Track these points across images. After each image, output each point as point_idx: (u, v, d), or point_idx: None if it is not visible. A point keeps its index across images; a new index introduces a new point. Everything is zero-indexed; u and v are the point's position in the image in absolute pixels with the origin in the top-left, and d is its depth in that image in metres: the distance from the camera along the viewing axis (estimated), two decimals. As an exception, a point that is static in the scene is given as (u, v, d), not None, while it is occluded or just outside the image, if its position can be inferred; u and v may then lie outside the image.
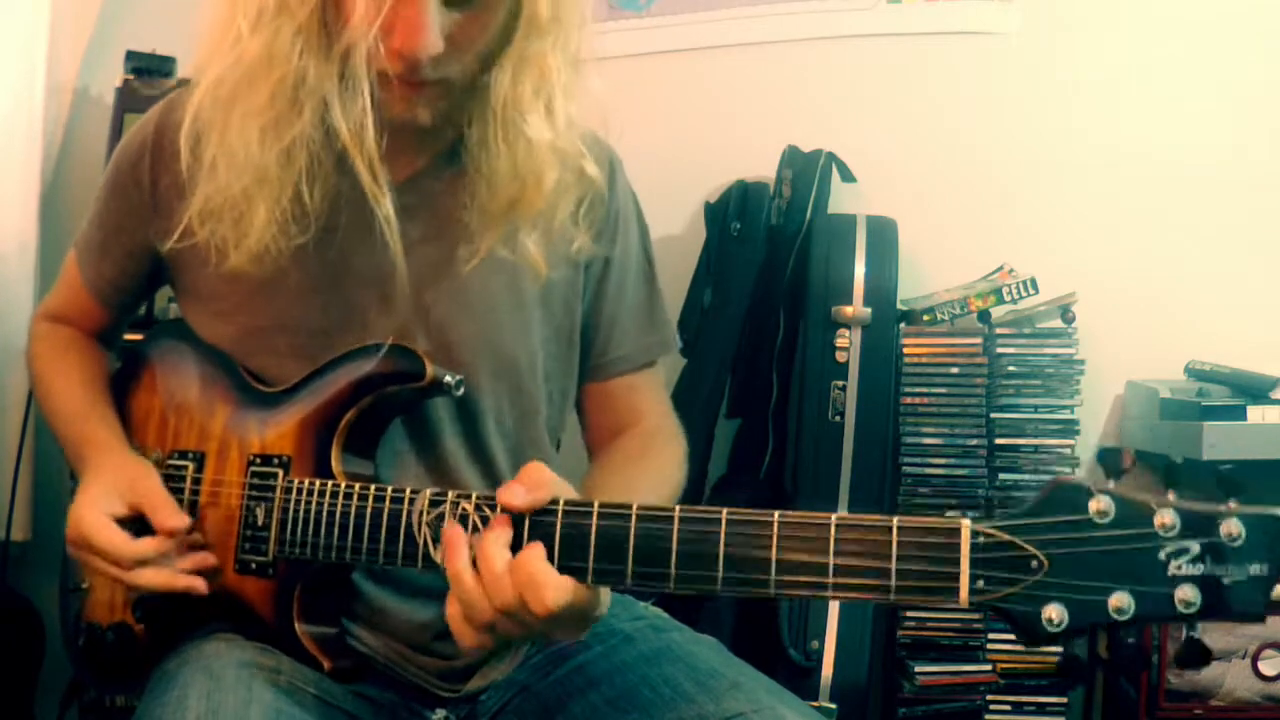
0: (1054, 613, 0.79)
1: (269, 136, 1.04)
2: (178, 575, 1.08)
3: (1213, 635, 1.88)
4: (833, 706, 1.83)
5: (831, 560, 0.84)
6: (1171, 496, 0.79)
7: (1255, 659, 1.89)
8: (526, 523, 0.93)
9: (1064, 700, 2.00)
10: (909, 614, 1.99)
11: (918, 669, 1.96)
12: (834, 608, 1.89)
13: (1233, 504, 0.77)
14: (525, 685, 1.15)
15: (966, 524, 0.82)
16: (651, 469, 1.21)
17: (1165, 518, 0.77)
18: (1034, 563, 0.80)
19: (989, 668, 1.98)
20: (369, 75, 1.00)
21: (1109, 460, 0.83)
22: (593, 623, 0.97)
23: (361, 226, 1.11)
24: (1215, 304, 2.19)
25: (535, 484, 0.94)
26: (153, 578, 1.07)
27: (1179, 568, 0.77)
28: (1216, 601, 0.76)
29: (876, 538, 0.84)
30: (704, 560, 0.88)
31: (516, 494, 0.93)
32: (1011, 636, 1.97)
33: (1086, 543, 0.79)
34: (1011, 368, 2.01)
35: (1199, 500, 0.78)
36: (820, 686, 1.86)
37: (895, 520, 0.84)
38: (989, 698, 1.97)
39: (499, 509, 0.95)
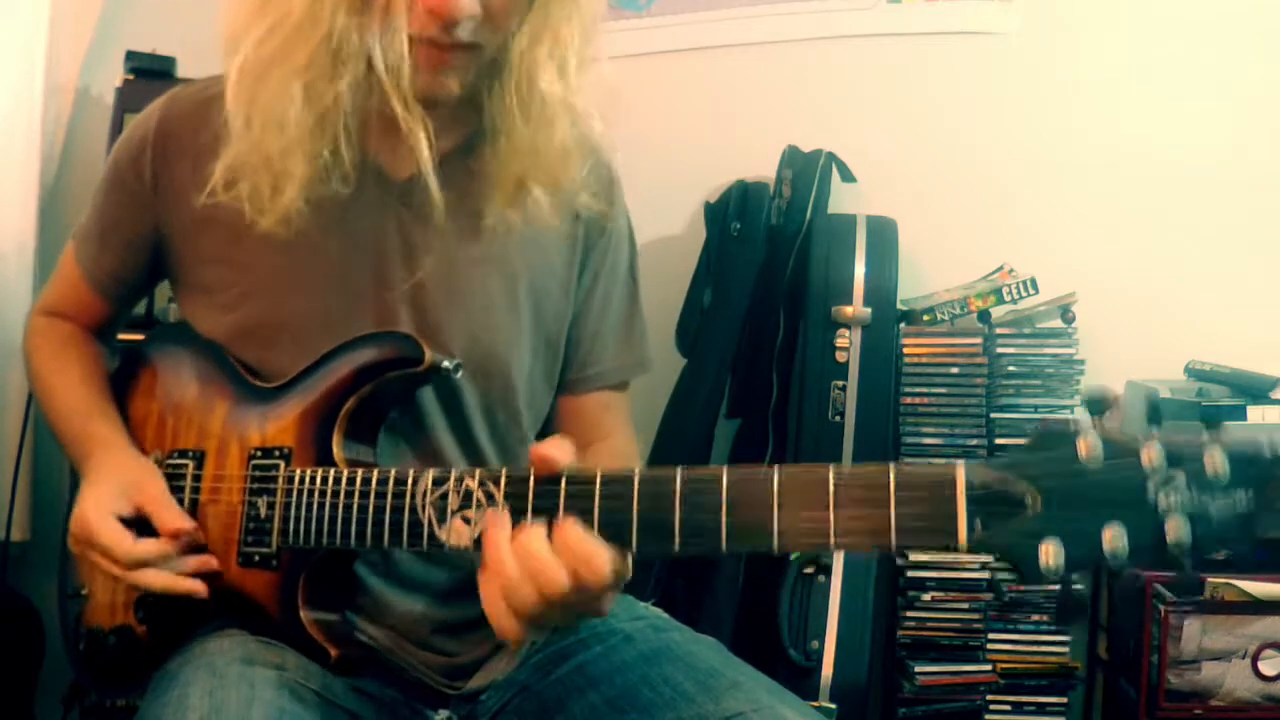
0: (1050, 548, 0.80)
1: (309, 95, 1.05)
2: (179, 578, 1.08)
3: (1213, 635, 1.88)
4: (833, 706, 1.83)
5: (832, 511, 0.85)
6: (1156, 433, 0.80)
7: (1255, 659, 1.89)
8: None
9: (1064, 700, 2.00)
10: (909, 614, 1.99)
11: (918, 669, 1.96)
12: (834, 607, 1.89)
13: (1215, 434, 0.79)
14: (525, 685, 1.15)
15: (961, 465, 0.83)
16: None
17: (1151, 452, 0.79)
18: (1028, 500, 0.81)
19: (989, 668, 1.98)
20: (408, 25, 1.01)
21: (1094, 401, 0.84)
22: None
23: (380, 208, 1.13)
24: (1215, 304, 2.20)
25: (559, 443, 0.95)
26: (154, 579, 1.07)
27: (1167, 499, 0.78)
28: (1205, 529, 0.78)
29: (875, 485, 0.85)
30: (706, 521, 0.88)
31: (553, 451, 0.94)
32: (1012, 636, 1.99)
33: (1077, 478, 0.80)
34: (1011, 368, 2.02)
35: (1183, 434, 0.80)
36: (820, 686, 1.86)
37: (891, 468, 0.85)
38: (989, 698, 1.98)
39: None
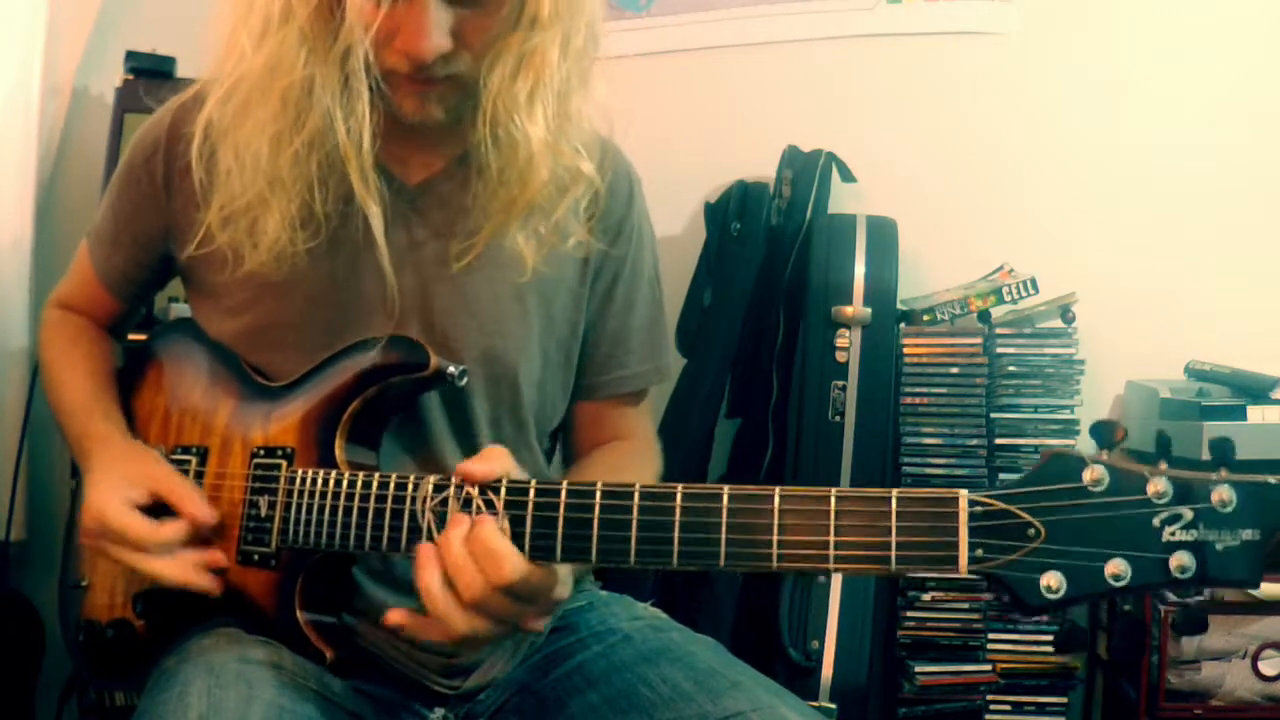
0: (1052, 580, 0.80)
1: (280, 143, 1.06)
2: (196, 573, 1.07)
3: (1213, 635, 1.88)
4: (833, 706, 1.83)
5: (832, 534, 0.85)
6: (1163, 465, 0.80)
7: (1255, 659, 1.89)
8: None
9: (1064, 700, 2.00)
10: (909, 614, 1.98)
11: (918, 669, 1.96)
12: (834, 607, 1.89)
13: (1224, 471, 0.78)
14: (524, 684, 1.15)
15: (964, 494, 0.83)
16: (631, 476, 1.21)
17: (1158, 485, 0.78)
18: (1031, 530, 0.81)
19: (989, 668, 1.97)
20: (368, 78, 1.02)
21: (1101, 432, 0.83)
22: (557, 605, 0.98)
23: (390, 214, 1.13)
24: (1215, 304, 2.19)
25: (488, 457, 0.98)
26: (172, 572, 1.06)
27: (1173, 534, 0.78)
28: (1210, 566, 0.77)
29: (876, 509, 0.84)
30: (707, 537, 0.89)
31: (475, 467, 0.96)
32: (1012, 636, 1.98)
33: (1082, 510, 0.80)
34: (1011, 368, 2.01)
35: (1190, 468, 0.79)
36: (820, 686, 1.86)
37: (894, 492, 0.84)
38: (989, 698, 1.97)
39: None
